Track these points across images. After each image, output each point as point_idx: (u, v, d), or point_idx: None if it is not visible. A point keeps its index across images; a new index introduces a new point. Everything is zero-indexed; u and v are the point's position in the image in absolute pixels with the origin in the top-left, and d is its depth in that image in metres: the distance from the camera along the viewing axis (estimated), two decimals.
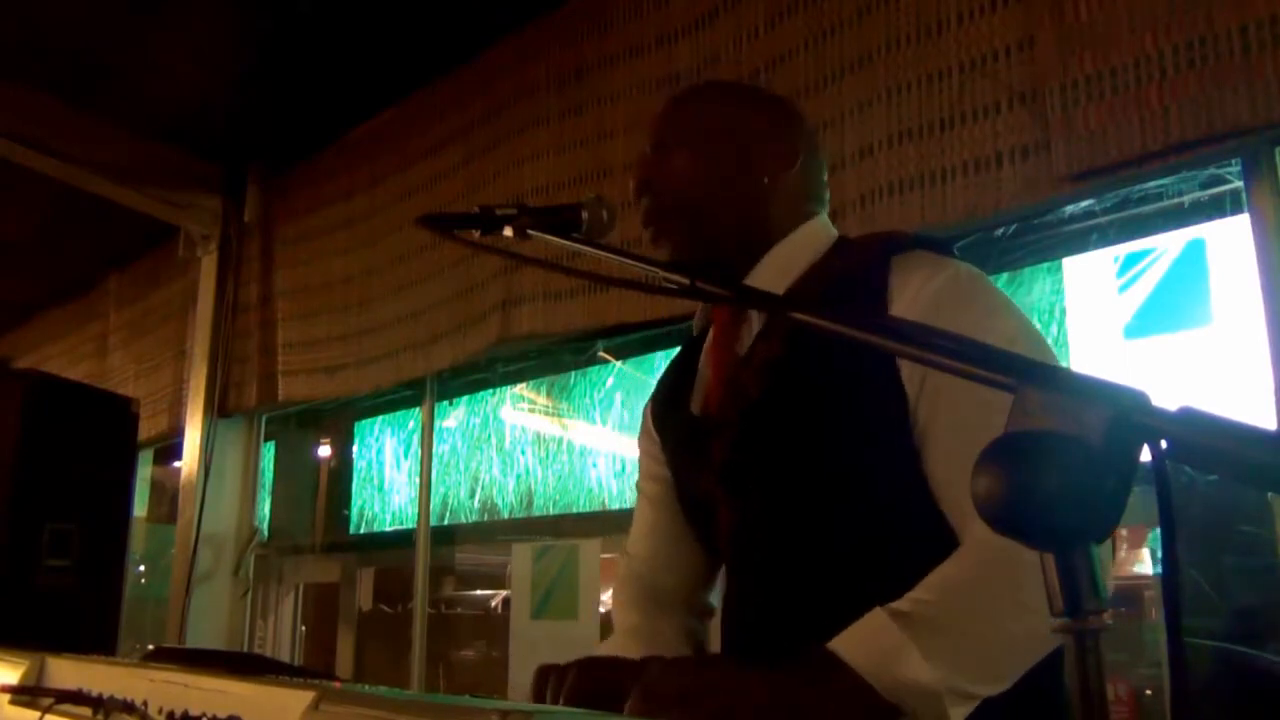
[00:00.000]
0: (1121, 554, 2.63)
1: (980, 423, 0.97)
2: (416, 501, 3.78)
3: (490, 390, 4.37)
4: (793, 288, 1.13)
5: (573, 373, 4.09)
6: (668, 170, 1.18)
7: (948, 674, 0.84)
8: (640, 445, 1.35)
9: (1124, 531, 2.62)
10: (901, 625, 0.86)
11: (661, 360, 3.62)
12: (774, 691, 0.84)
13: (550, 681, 0.97)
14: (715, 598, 1.31)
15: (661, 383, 1.34)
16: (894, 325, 0.65)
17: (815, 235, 1.19)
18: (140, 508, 5.12)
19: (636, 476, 1.37)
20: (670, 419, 1.26)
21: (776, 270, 1.15)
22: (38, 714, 0.94)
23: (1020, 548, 0.87)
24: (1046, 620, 0.89)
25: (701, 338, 1.27)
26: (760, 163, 1.18)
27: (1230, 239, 2.26)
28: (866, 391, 1.02)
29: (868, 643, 0.86)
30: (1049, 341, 1.17)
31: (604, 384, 4.02)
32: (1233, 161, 2.02)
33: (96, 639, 2.41)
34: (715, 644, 1.24)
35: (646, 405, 1.35)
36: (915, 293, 1.02)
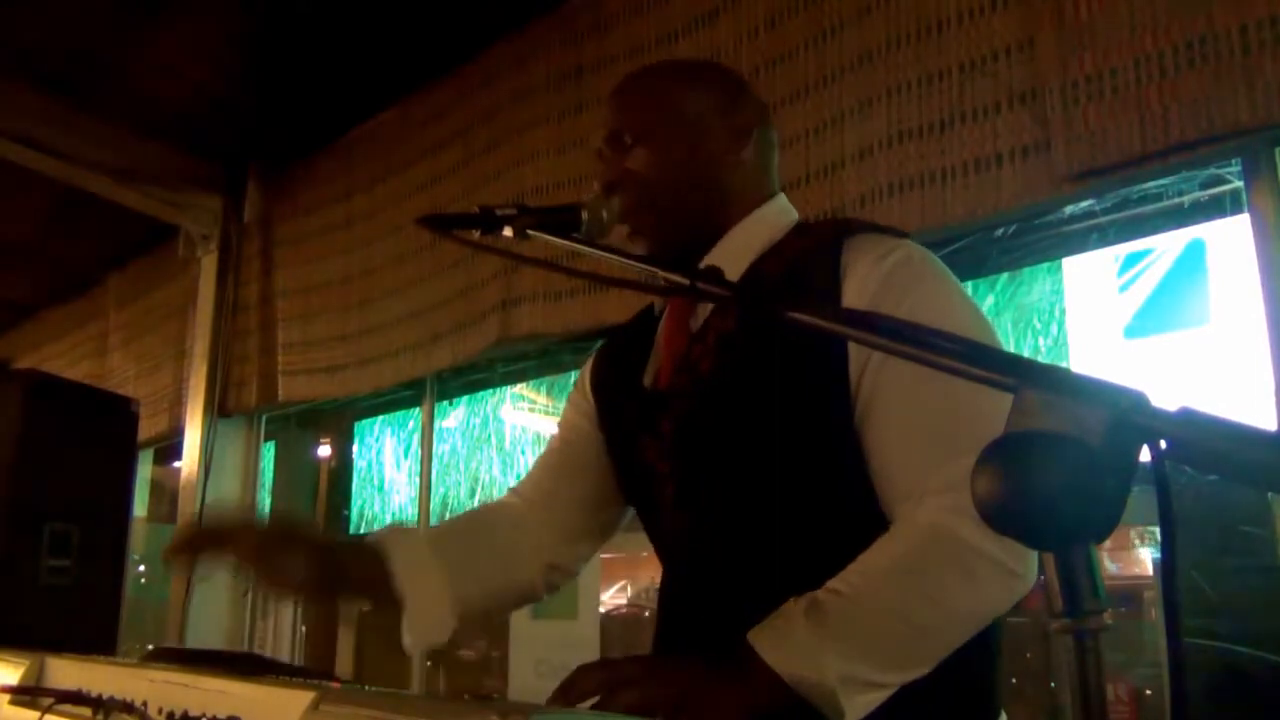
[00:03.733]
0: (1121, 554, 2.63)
1: (919, 404, 0.98)
2: (416, 501, 3.77)
3: (490, 390, 4.37)
4: (750, 269, 1.13)
5: (572, 373, 4.09)
6: (629, 168, 1.17)
7: (851, 665, 0.86)
8: (570, 399, 1.36)
9: (1132, 532, 2.62)
10: (812, 619, 0.88)
11: None
12: (691, 683, 0.86)
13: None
14: (572, 562, 1.31)
15: (609, 351, 1.34)
16: (884, 322, 0.65)
17: (774, 216, 1.19)
18: (140, 508, 5.12)
19: (557, 425, 1.38)
20: (618, 390, 1.26)
21: (735, 251, 1.15)
22: (38, 714, 0.94)
23: (946, 536, 0.89)
24: (959, 614, 0.91)
25: (653, 313, 1.27)
26: (716, 144, 1.18)
27: (1230, 239, 2.26)
28: (815, 372, 1.02)
29: (778, 634, 0.89)
30: (995, 328, 1.18)
31: None
32: (1233, 161, 2.02)
33: (96, 639, 2.41)
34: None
35: (587, 365, 1.35)
36: (866, 272, 1.02)
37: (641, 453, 1.19)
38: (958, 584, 0.91)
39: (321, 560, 1.11)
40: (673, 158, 1.17)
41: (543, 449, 1.39)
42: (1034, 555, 0.93)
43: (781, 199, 1.22)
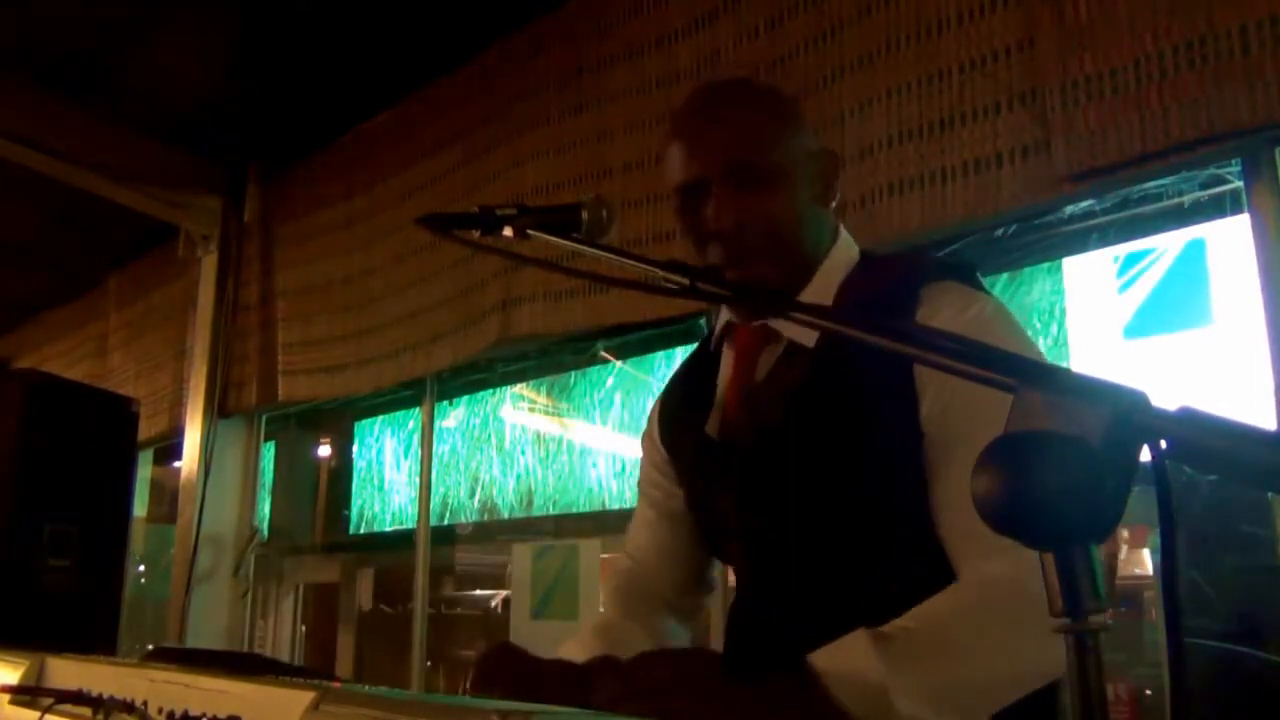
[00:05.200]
0: (1121, 555, 2.63)
1: None
2: (416, 501, 3.78)
3: (490, 390, 4.37)
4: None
5: (573, 373, 4.09)
6: (759, 208, 1.10)
7: (914, 704, 0.84)
8: (644, 449, 1.35)
9: (1125, 532, 2.62)
10: (879, 648, 0.86)
11: (661, 360, 3.62)
12: (753, 699, 0.85)
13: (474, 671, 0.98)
14: (706, 595, 1.33)
15: (671, 397, 1.33)
16: (899, 328, 0.65)
17: (844, 254, 1.18)
18: (140, 508, 5.12)
19: (639, 474, 1.37)
20: (684, 438, 1.26)
21: (818, 294, 1.13)
22: (38, 714, 0.94)
23: (1012, 596, 0.87)
24: (1024, 669, 0.89)
25: (713, 355, 1.25)
26: (824, 186, 1.16)
27: (1230, 239, 2.26)
28: (885, 422, 1.02)
29: (843, 659, 0.87)
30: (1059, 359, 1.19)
31: (604, 384, 4.02)
32: (1233, 161, 2.02)
33: (96, 639, 2.41)
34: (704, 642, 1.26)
35: (653, 412, 1.35)
36: (944, 325, 1.02)
37: (713, 501, 1.19)
38: (1024, 637, 0.88)
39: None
40: (801, 197, 1.13)
41: (638, 499, 1.37)
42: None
43: (845, 232, 1.21)
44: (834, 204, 1.19)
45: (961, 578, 0.97)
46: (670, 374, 1.39)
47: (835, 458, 1.06)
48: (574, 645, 1.16)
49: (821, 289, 1.14)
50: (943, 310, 1.04)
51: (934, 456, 1.01)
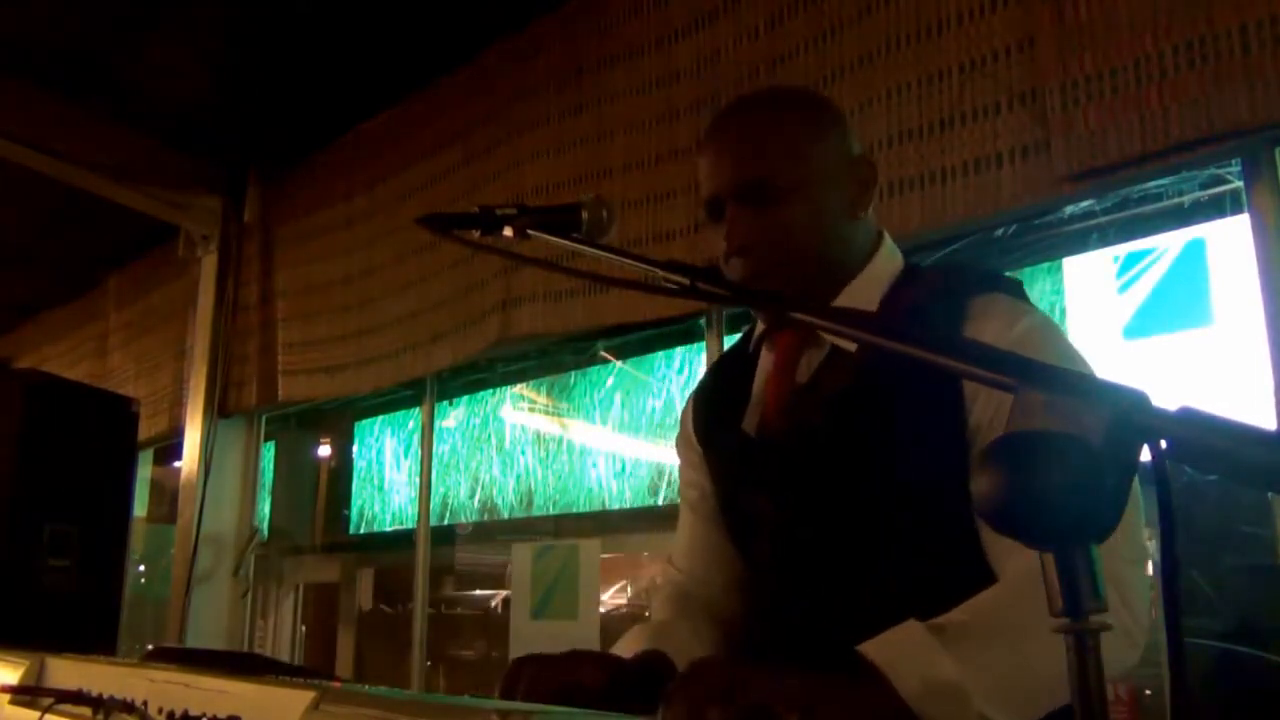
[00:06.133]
0: None
1: None
2: (416, 501, 3.78)
3: (490, 390, 4.37)
4: None
5: (573, 373, 4.09)
6: (775, 224, 1.11)
7: (974, 687, 0.81)
8: (679, 452, 1.35)
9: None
10: (935, 634, 0.84)
11: (661, 360, 3.62)
12: (806, 690, 0.80)
13: (516, 680, 0.97)
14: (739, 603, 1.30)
15: (704, 395, 1.32)
16: (899, 328, 0.65)
17: (887, 263, 1.17)
18: (140, 508, 5.12)
19: (678, 483, 1.36)
20: (719, 436, 1.25)
21: (857, 303, 1.13)
22: (38, 714, 0.94)
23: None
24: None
25: (749, 356, 1.25)
26: (859, 195, 1.16)
27: (1230, 239, 2.26)
28: (929, 430, 1.02)
29: (897, 645, 0.84)
30: None
31: (604, 384, 4.02)
32: (1233, 161, 2.02)
33: (96, 639, 2.42)
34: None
35: (685, 413, 1.34)
36: (993, 339, 1.01)
37: (747, 500, 1.18)
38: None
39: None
40: (825, 208, 1.13)
41: (680, 505, 1.35)
42: (1150, 624, 0.91)
43: (889, 242, 1.20)
44: (869, 211, 1.17)
45: (1004, 576, 0.96)
46: (703, 374, 1.39)
47: (875, 462, 1.05)
48: (626, 643, 1.15)
49: (861, 299, 1.14)
50: (992, 322, 1.03)
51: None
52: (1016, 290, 1.11)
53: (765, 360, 1.21)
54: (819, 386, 1.11)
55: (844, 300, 1.14)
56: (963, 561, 1.01)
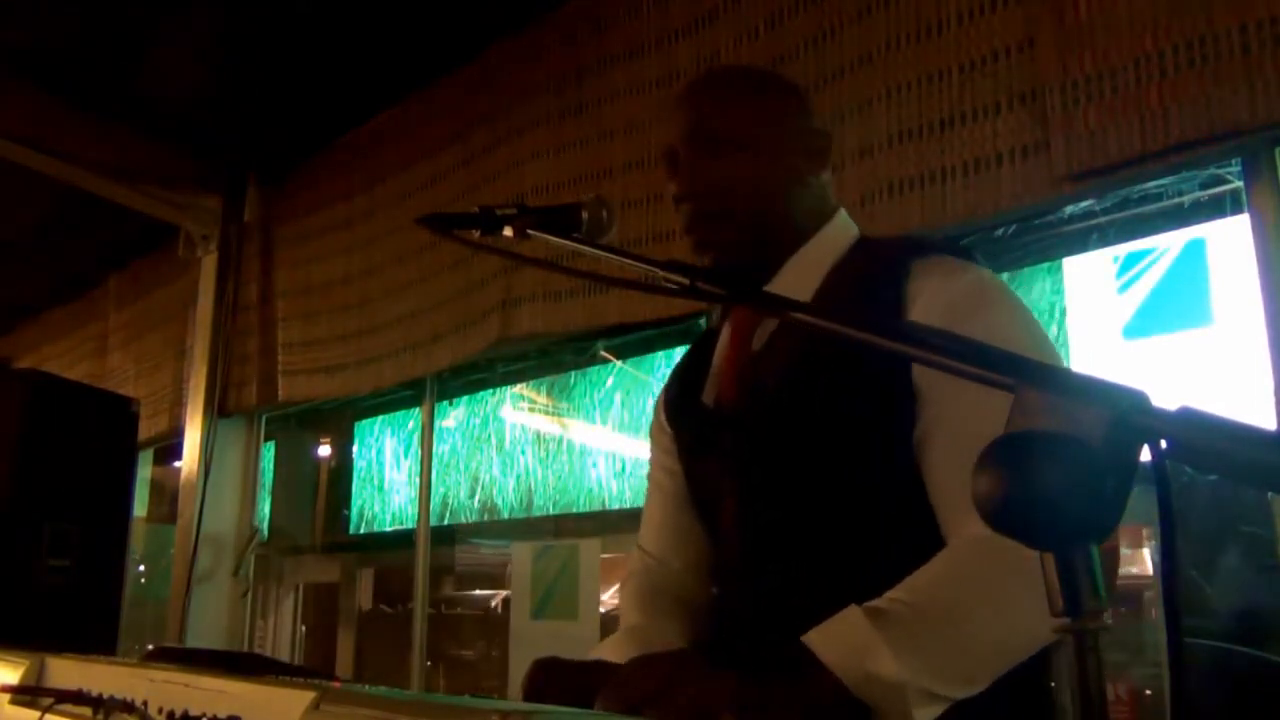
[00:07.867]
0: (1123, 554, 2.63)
1: (980, 427, 0.98)
2: (416, 501, 3.78)
3: (490, 390, 4.37)
4: (818, 290, 1.12)
5: (573, 373, 4.10)
6: (718, 174, 1.14)
7: (914, 673, 0.84)
8: (652, 436, 1.36)
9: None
10: (874, 622, 0.86)
11: (661, 360, 3.62)
12: (743, 690, 0.83)
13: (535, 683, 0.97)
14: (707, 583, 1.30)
15: (674, 376, 1.34)
16: (894, 326, 0.65)
17: (839, 234, 1.19)
18: (140, 508, 5.12)
19: (648, 467, 1.37)
20: (683, 411, 1.27)
21: (805, 270, 1.14)
22: (38, 714, 0.94)
23: (1004, 552, 0.85)
24: (1024, 626, 0.88)
25: (716, 333, 1.27)
26: (801, 160, 1.17)
27: (1230, 239, 2.26)
28: (881, 392, 1.02)
29: (839, 638, 0.86)
30: (1061, 353, 1.18)
31: (604, 384, 4.03)
32: (1233, 161, 2.02)
33: (96, 639, 2.41)
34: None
35: (659, 396, 1.36)
36: (932, 296, 1.02)
37: (705, 471, 1.19)
38: (1018, 593, 0.86)
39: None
40: (770, 168, 1.15)
41: (648, 489, 1.35)
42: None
43: (843, 214, 1.22)
44: (823, 178, 1.19)
45: (950, 542, 0.97)
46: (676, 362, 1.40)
47: (827, 424, 1.05)
48: (611, 646, 1.15)
49: (810, 265, 1.15)
50: (931, 280, 1.03)
51: (928, 420, 1.01)
52: (963, 253, 1.11)
53: (725, 334, 1.23)
54: (772, 353, 1.12)
55: (792, 264, 1.15)
56: (916, 523, 1.01)
